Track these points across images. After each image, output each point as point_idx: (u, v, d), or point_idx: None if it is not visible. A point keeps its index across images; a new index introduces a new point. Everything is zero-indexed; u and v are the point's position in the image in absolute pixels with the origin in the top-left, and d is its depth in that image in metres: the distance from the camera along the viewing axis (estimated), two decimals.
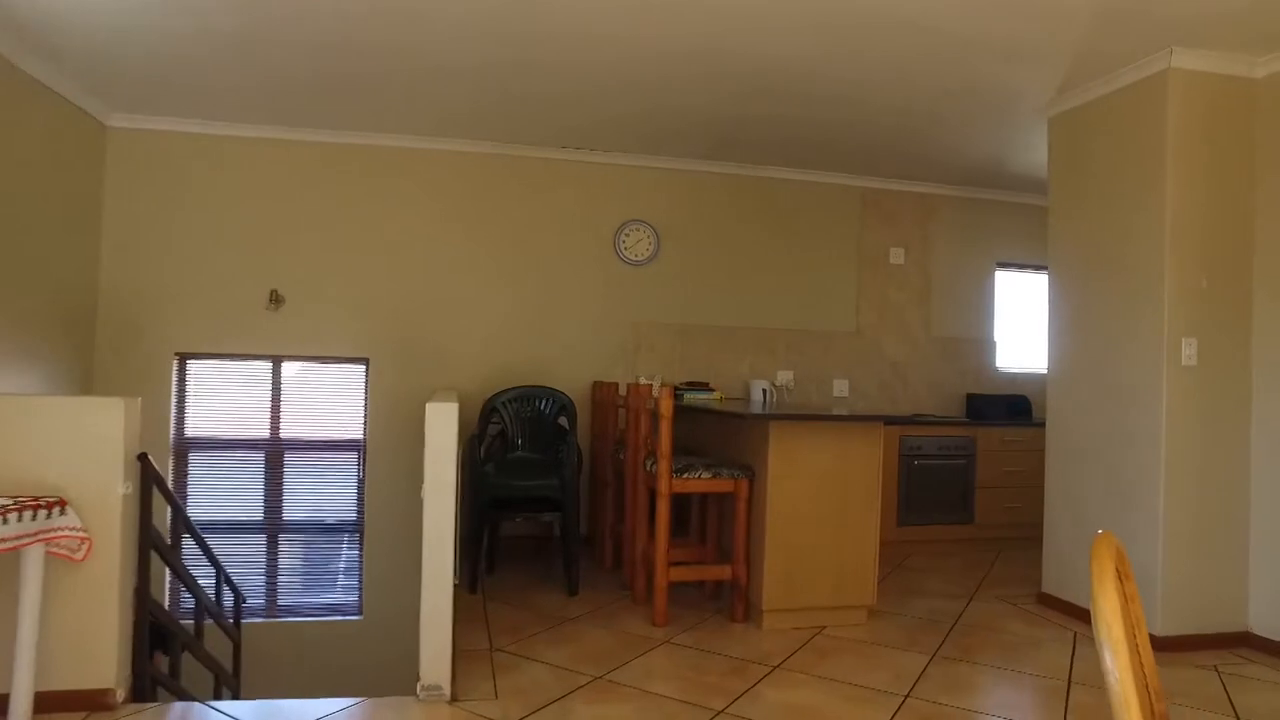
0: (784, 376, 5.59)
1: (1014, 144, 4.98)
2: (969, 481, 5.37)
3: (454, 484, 2.76)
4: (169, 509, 3.46)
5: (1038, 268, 6.28)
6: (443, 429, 2.74)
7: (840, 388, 5.71)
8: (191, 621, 3.60)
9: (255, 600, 5.00)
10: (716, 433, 4.23)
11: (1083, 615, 3.86)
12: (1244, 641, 3.59)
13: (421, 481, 2.73)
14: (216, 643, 3.91)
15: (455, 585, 4.21)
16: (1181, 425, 3.54)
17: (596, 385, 5.11)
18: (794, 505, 3.53)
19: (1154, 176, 3.60)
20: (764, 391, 5.32)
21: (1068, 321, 4.11)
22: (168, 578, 4.62)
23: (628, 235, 5.39)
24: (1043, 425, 5.53)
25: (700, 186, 5.52)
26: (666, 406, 3.51)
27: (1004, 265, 6.22)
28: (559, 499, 4.02)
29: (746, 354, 5.56)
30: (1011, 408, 5.73)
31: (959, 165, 5.46)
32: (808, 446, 3.53)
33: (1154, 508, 3.53)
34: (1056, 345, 4.18)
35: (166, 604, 4.60)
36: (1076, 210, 4.07)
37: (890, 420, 3.56)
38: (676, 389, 5.18)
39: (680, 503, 4.54)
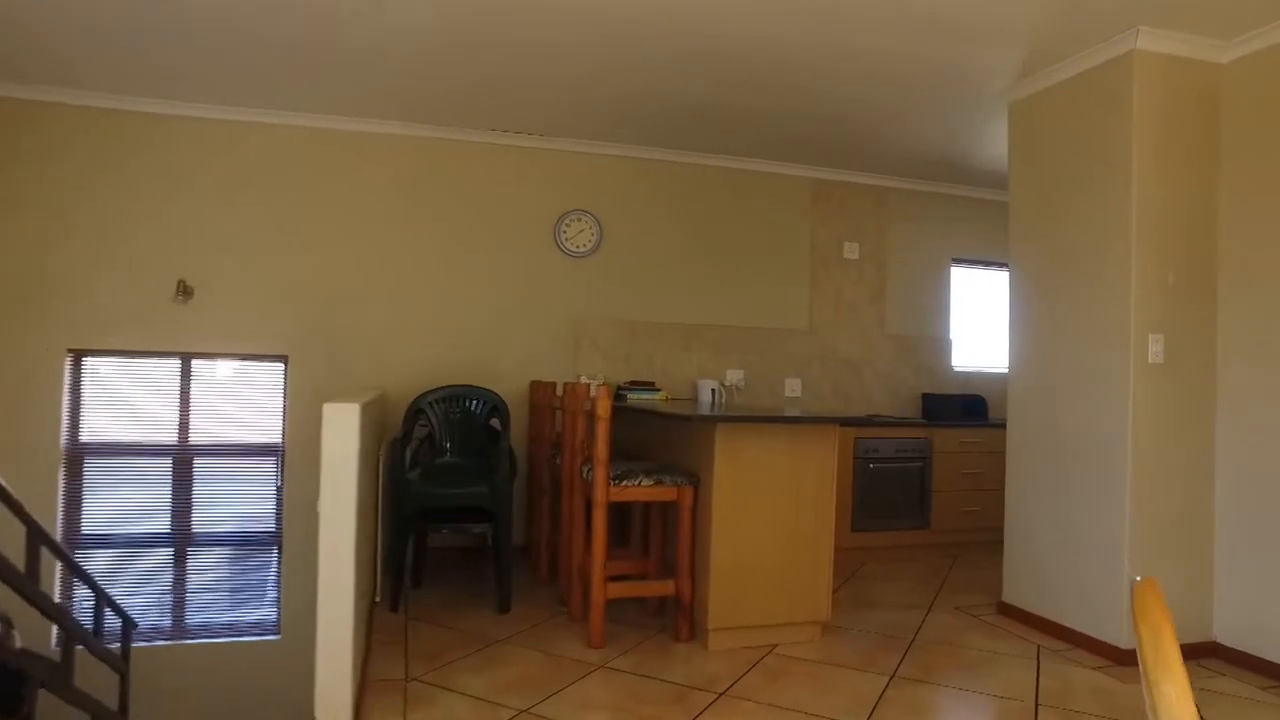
0: (734, 376, 5.33)
1: (972, 134, 4.79)
2: (925, 485, 5.16)
3: (355, 496, 2.43)
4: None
5: (994, 264, 6.13)
6: (342, 434, 2.40)
7: (792, 387, 5.47)
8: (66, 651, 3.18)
9: (158, 621, 4.57)
10: (661, 436, 3.95)
11: (1044, 626, 3.66)
12: (1211, 652, 3.42)
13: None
14: (103, 675, 3.50)
15: (376, 603, 3.88)
16: (1149, 426, 3.35)
17: (535, 385, 4.79)
18: (742, 514, 3.25)
19: (1120, 165, 3.41)
20: (713, 392, 5.05)
21: (1029, 318, 3.91)
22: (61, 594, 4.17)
23: (569, 226, 5.08)
24: (1000, 426, 5.37)
25: (645, 175, 5.24)
26: (603, 408, 3.21)
27: (960, 262, 6.05)
28: (489, 508, 3.69)
29: (694, 352, 5.29)
30: (968, 408, 5.55)
31: (914, 156, 5.26)
32: (757, 451, 3.26)
33: (1120, 514, 3.34)
34: (1018, 343, 3.98)
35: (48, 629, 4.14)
36: (1038, 201, 3.87)
37: (845, 421, 3.31)
38: (620, 389, 4.88)
39: (622, 512, 4.25)
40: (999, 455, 5.35)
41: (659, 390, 4.91)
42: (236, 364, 4.83)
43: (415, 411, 4.25)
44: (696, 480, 3.35)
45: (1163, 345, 3.38)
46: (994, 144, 4.93)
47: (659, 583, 3.42)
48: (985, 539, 5.35)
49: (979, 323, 6.13)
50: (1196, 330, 3.46)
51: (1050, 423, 3.72)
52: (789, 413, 3.70)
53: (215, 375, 4.80)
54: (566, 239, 5.07)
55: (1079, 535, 3.52)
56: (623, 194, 5.19)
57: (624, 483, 3.26)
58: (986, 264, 6.12)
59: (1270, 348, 3.29)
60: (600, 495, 3.22)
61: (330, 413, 2.41)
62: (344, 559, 2.40)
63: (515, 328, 4.99)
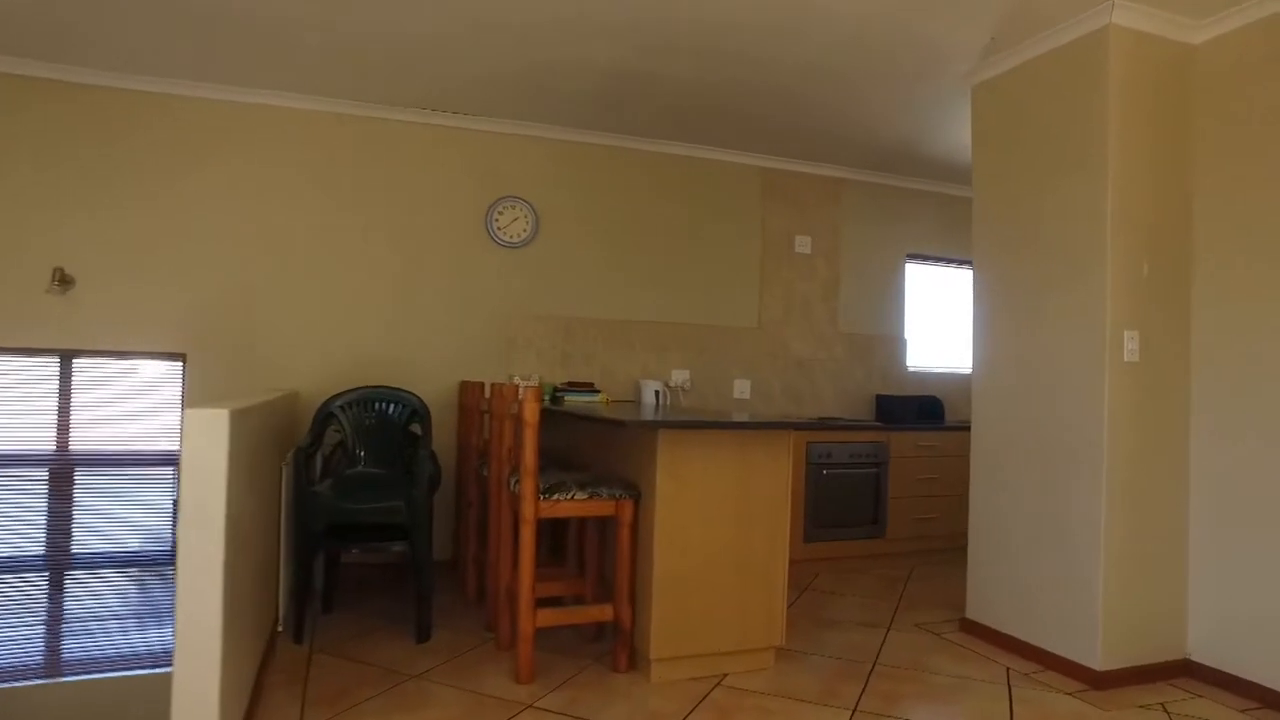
0: (679, 376, 4.99)
1: (931, 121, 4.53)
2: (880, 491, 4.90)
3: (224, 519, 2.01)
4: None
5: (950, 261, 5.92)
6: (206, 444, 1.98)
7: (741, 388, 5.16)
8: None
9: (25, 658, 4.03)
10: (600, 444, 3.59)
11: (1011, 645, 3.40)
12: (1185, 671, 3.19)
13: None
14: None
15: (279, 632, 3.44)
16: (1124, 430, 3.11)
17: (464, 386, 4.38)
18: (687, 530, 2.91)
19: (1094, 148, 3.16)
20: (657, 394, 4.71)
21: (995, 314, 3.65)
22: None
23: (501, 214, 4.68)
24: (958, 428, 5.18)
25: (584, 160, 4.87)
26: (531, 412, 2.83)
27: (915, 258, 5.82)
28: (406, 524, 3.27)
29: (638, 351, 4.94)
30: (924, 410, 5.31)
31: (869, 146, 5.00)
32: (704, 459, 2.92)
33: (1094, 524, 3.08)
34: (982, 340, 3.72)
35: None
36: (1004, 189, 3.61)
37: (799, 426, 2.98)
38: (557, 391, 4.51)
39: (557, 525, 3.88)
40: (956, 459, 5.15)
41: (599, 392, 4.55)
42: (126, 363, 4.32)
43: (324, 416, 3.81)
44: (637, 493, 3.00)
45: (1138, 343, 3.14)
46: (953, 133, 4.69)
47: (596, 608, 3.05)
48: (942, 547, 5.11)
49: (934, 321, 5.91)
50: (1170, 327, 3.23)
51: (1018, 426, 3.46)
52: (738, 417, 3.37)
53: (102, 375, 4.28)
54: (499, 228, 4.67)
55: (1050, 546, 3.26)
56: (561, 181, 4.81)
57: (555, 496, 2.89)
58: (942, 261, 5.90)
59: (1246, 347, 3.08)
60: (528, 511, 2.85)
61: (193, 420, 1.99)
62: (205, 590, 1.99)
63: (444, 324, 4.58)
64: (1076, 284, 3.22)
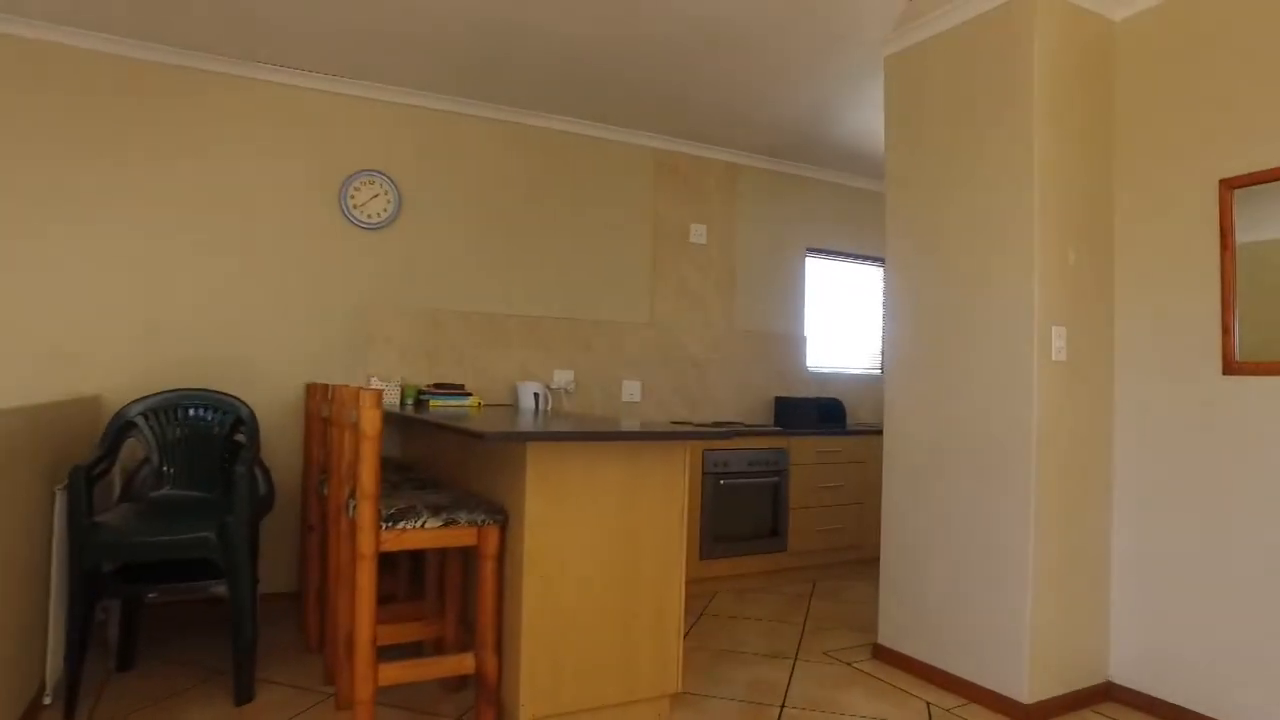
0: (562, 377, 4.49)
1: (836, 99, 4.20)
2: (781, 502, 4.54)
3: None
4: None
5: (852, 256, 5.65)
6: None
7: (631, 390, 4.71)
8: None
9: None
10: (465, 458, 3.05)
11: (929, 674, 3.06)
12: (1106, 695, 2.93)
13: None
14: None
15: (45, 705, 2.70)
16: (1053, 439, 2.81)
17: (311, 389, 3.73)
18: (564, 561, 2.42)
19: (1019, 127, 2.85)
20: (537, 397, 4.19)
21: (909, 309, 3.31)
22: None
23: (358, 190, 4.06)
24: (859, 433, 4.89)
25: (455, 131, 4.30)
26: (370, 421, 2.27)
27: (815, 252, 5.51)
28: (218, 559, 2.63)
29: (516, 349, 4.40)
30: (824, 413, 4.99)
31: (769, 127, 4.63)
32: (583, 477, 2.43)
33: (1023, 542, 2.77)
34: (895, 339, 3.38)
35: None
36: (920, 171, 3.28)
37: (697, 435, 2.54)
38: (421, 393, 3.92)
39: (418, 554, 3.31)
40: (860, 466, 4.85)
41: (470, 395, 3.99)
42: None
43: (120, 427, 3.09)
44: (503, 517, 2.48)
45: (1065, 340, 2.86)
46: (859, 116, 4.38)
47: (454, 658, 2.50)
48: (845, 559, 4.80)
49: (834, 319, 5.62)
50: (1094, 323, 2.97)
51: (937, 434, 3.13)
52: (627, 424, 2.90)
53: None
54: (355, 206, 4.04)
55: (974, 566, 2.94)
56: (427, 155, 4.22)
57: (402, 525, 2.34)
58: (844, 256, 5.63)
59: (1170, 345, 2.84)
60: (365, 544, 2.28)
61: None
62: None
63: (288, 316, 3.91)
64: (1001, 274, 2.90)
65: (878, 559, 4.91)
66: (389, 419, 3.67)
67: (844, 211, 5.58)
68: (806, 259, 5.44)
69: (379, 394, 2.26)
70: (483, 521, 2.43)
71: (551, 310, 4.50)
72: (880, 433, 4.91)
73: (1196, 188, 2.79)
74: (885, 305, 3.42)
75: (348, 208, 4.02)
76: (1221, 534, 2.66)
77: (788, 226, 5.33)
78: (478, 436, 2.15)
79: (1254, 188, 2.65)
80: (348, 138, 4.04)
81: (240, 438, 3.25)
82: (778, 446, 4.53)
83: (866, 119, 4.44)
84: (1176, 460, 2.81)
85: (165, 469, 3.11)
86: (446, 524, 2.38)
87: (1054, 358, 2.82)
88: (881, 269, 5.87)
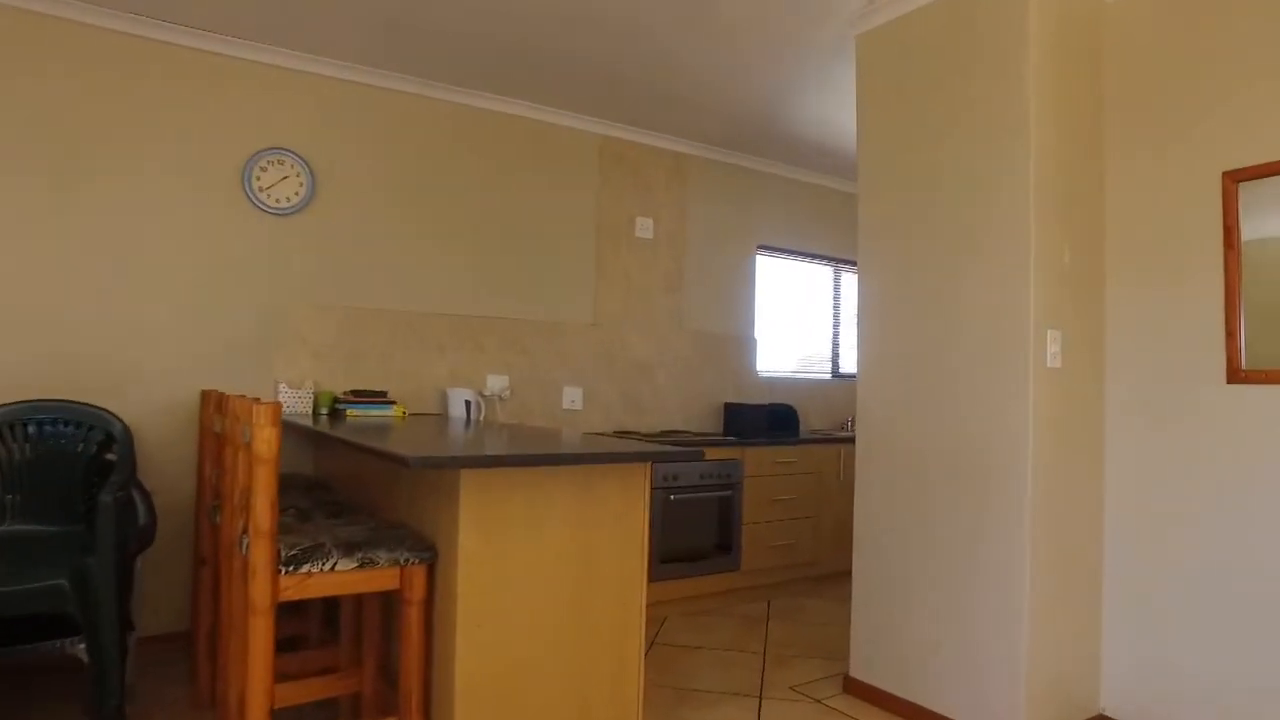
0: (497, 383, 4.07)
1: (794, 85, 3.90)
2: (734, 517, 4.21)
3: None
4: None
5: (804, 255, 5.39)
6: None
7: (572, 397, 4.32)
8: None
9: None
10: (389, 479, 2.62)
11: (908, 712, 2.78)
12: None
13: None
14: None
15: None
16: (1048, 453, 2.55)
17: (207, 397, 3.24)
18: (504, 606, 2.02)
19: (1013, 111, 2.59)
20: (468, 405, 3.77)
21: (886, 311, 3.02)
22: None
23: (264, 170, 3.57)
24: (814, 442, 4.60)
25: (376, 108, 3.84)
26: (266, 442, 1.83)
27: (766, 249, 5.22)
28: (74, 613, 2.15)
29: (445, 352, 3.97)
30: (777, 420, 4.70)
31: (723, 115, 4.31)
32: (527, 505, 2.05)
33: (1019, 560, 2.50)
34: (870, 345, 3.08)
35: None
36: (899, 162, 2.99)
37: (658, 456, 2.18)
38: (338, 402, 3.47)
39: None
40: (813, 477, 4.57)
41: (393, 404, 3.55)
42: None
43: None
44: (433, 554, 2.07)
45: (1060, 344, 2.60)
46: (818, 104, 4.09)
47: None
48: (799, 577, 4.52)
49: (784, 320, 5.34)
50: (1087, 327, 2.73)
51: (917, 446, 2.84)
52: (575, 442, 2.53)
53: None
54: (261, 188, 3.55)
55: (960, 591, 2.66)
56: (346, 132, 3.76)
57: (307, 567, 1.91)
58: (796, 254, 5.36)
59: (1167, 351, 2.62)
60: (260, 594, 1.84)
61: None
62: None
63: (182, 312, 3.39)
64: (991, 272, 2.63)
65: (833, 575, 4.67)
66: (299, 431, 3.21)
67: (797, 208, 5.31)
68: (757, 257, 5.15)
69: (277, 409, 1.83)
70: (407, 561, 2.02)
71: (485, 309, 4.08)
72: (835, 441, 4.65)
73: (1197, 180, 2.57)
74: (860, 307, 3.13)
75: (253, 190, 3.53)
76: (1224, 556, 2.44)
77: (739, 222, 5.03)
78: (400, 462, 1.74)
79: (1261, 180, 2.44)
80: (253, 109, 3.55)
81: (112, 458, 2.74)
82: (731, 458, 4.21)
83: (826, 108, 4.17)
84: (1174, 476, 2.58)
85: (7, 498, 2.58)
86: (362, 565, 1.96)
87: (1049, 364, 2.56)
88: (832, 269, 5.63)
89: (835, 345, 5.64)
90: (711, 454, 4.12)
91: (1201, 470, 2.51)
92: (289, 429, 3.36)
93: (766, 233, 5.16)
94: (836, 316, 5.65)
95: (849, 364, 5.71)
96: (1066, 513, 2.61)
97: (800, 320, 5.46)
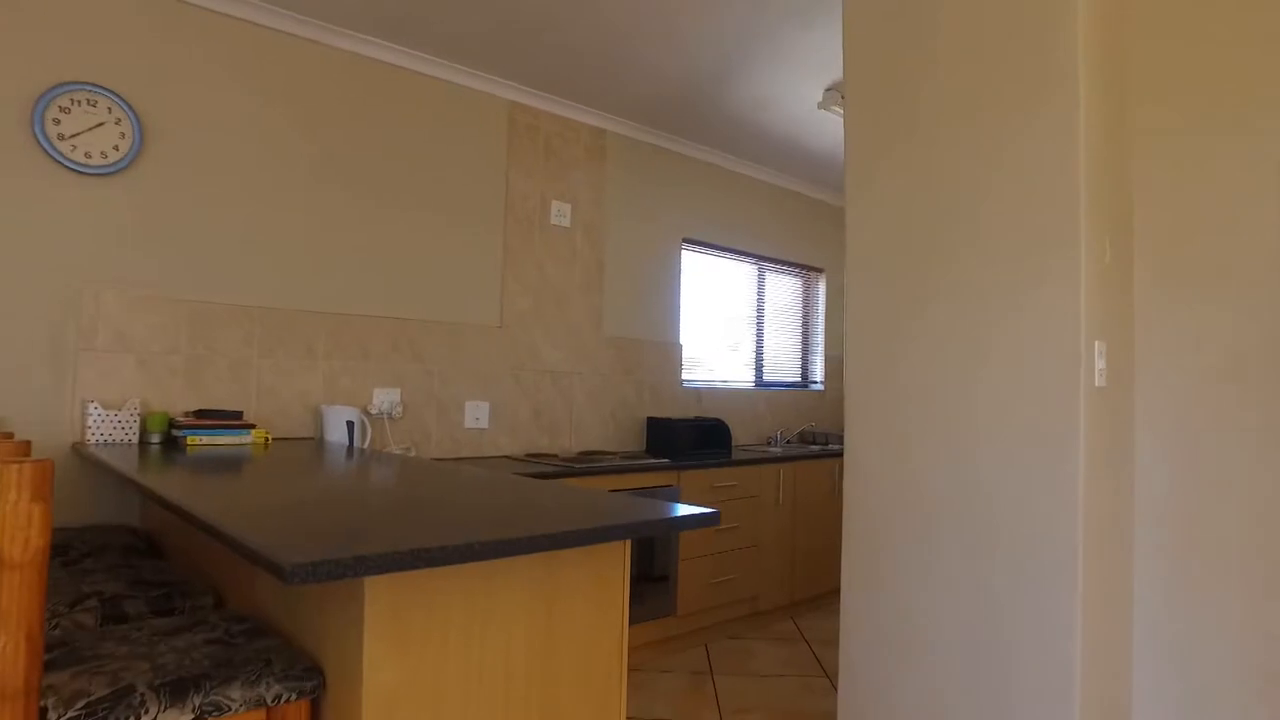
0: (386, 399, 3.30)
1: (740, 56, 3.35)
2: (670, 553, 3.62)
3: None
4: None
5: (731, 251, 4.87)
6: None
7: (476, 414, 3.60)
8: None
9: None
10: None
11: None
12: None
13: None
14: None
15: None
16: (1099, 491, 2.09)
17: None
18: None
19: (1055, 71, 2.12)
20: (350, 427, 2.99)
21: (887, 317, 2.49)
22: None
23: (66, 113, 2.67)
24: (751, 463, 4.05)
25: (236, 43, 2.99)
26: (19, 530, 1.06)
27: (692, 244, 4.67)
28: None
29: (319, 359, 3.16)
30: (707, 437, 4.15)
31: (650, 83, 3.71)
32: (466, 608, 1.36)
33: (1069, 624, 2.02)
34: (864, 355, 2.54)
35: None
36: (902, 138, 2.48)
37: (633, 528, 1.52)
38: (175, 427, 2.64)
39: None
40: (754, 502, 4.03)
41: (250, 428, 2.73)
42: None
43: None
44: (318, 682, 1.35)
45: (1105, 359, 2.15)
46: (765, 80, 3.56)
47: None
48: (740, 615, 3.97)
49: (708, 323, 4.80)
50: (1121, 335, 2.30)
51: (933, 484, 2.33)
52: (513, 506, 1.86)
53: None
54: (61, 137, 2.65)
55: (992, 661, 2.15)
56: (191, 71, 2.90)
57: None
58: (724, 250, 4.83)
59: (1210, 363, 2.22)
60: None
61: None
62: None
63: None
64: (1027, 272, 2.15)
65: (773, 610, 4.14)
66: (113, 475, 2.36)
67: (724, 199, 4.79)
68: (683, 251, 4.59)
69: (42, 473, 1.07)
70: (278, 699, 1.29)
71: (370, 305, 3.31)
72: (775, 460, 4.14)
73: (1245, 162, 2.19)
74: (848, 311, 2.59)
75: (49, 140, 2.62)
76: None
77: (664, 212, 4.44)
78: (272, 570, 1.02)
79: None
80: (50, 34, 2.64)
81: None
82: (665, 484, 3.61)
83: (775, 86, 3.64)
84: (1218, 514, 2.18)
85: None
86: (200, 716, 1.22)
87: (1096, 383, 2.10)
88: (757, 267, 5.15)
89: (759, 352, 5.16)
90: (643, 480, 3.51)
91: (1249, 497, 2.12)
92: (99, 469, 2.50)
93: (693, 225, 4.60)
94: (760, 319, 5.17)
95: (775, 372, 5.24)
96: (1110, 564, 2.17)
97: (724, 324, 4.93)
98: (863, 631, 2.46)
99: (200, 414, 2.71)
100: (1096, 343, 2.11)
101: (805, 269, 5.49)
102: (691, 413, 4.55)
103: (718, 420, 4.23)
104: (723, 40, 3.27)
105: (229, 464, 2.14)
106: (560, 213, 3.93)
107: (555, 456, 3.61)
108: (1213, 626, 2.19)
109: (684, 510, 1.55)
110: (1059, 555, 2.04)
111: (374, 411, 3.22)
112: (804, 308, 5.55)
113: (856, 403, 2.53)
